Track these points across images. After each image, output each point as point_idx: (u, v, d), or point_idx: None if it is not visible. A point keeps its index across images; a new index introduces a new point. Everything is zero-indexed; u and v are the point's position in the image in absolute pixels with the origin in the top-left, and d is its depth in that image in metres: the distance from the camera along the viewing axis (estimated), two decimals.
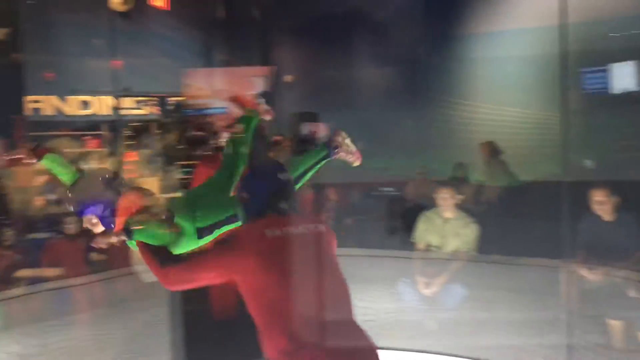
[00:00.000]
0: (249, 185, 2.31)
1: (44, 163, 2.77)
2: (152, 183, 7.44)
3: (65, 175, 2.82)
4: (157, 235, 2.55)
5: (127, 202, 2.67)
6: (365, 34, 6.40)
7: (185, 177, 5.53)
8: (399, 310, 4.72)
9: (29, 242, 5.81)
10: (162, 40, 8.26)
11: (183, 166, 6.07)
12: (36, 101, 8.41)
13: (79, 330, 4.16)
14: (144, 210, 2.63)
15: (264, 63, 5.76)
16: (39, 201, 6.58)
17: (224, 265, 2.12)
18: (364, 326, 2.12)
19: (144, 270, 4.81)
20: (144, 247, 2.36)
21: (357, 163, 3.16)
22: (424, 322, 4.59)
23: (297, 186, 2.87)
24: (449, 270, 4.68)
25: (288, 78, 6.34)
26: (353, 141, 3.23)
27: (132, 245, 2.56)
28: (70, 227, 5.27)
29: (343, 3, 6.45)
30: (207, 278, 2.19)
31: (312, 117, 7.17)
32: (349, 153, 3.08)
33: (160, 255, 2.30)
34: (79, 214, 2.67)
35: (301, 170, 2.93)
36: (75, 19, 7.96)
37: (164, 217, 2.69)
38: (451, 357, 4.28)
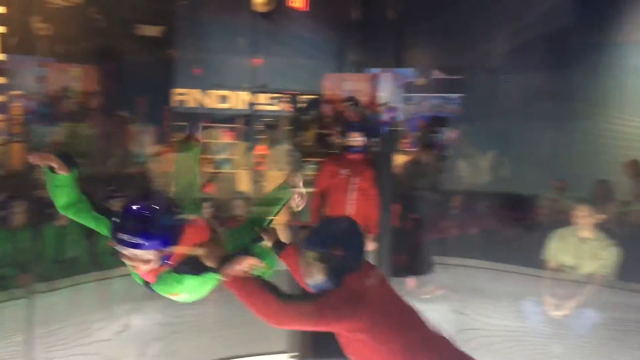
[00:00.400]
0: (345, 240, 2.21)
1: (60, 178, 2.25)
2: (279, 177, 7.72)
3: (64, 200, 2.30)
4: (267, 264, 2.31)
5: (194, 231, 2.28)
6: (507, 37, 6.13)
7: (312, 173, 5.68)
8: (523, 330, 4.49)
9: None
10: (298, 40, 8.53)
11: (311, 163, 6.24)
12: (182, 94, 9.07)
13: (207, 307, 4.42)
14: (211, 240, 2.27)
15: (397, 65, 5.75)
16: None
17: (351, 320, 2.06)
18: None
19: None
20: (252, 279, 2.08)
21: (299, 208, 2.96)
22: (548, 345, 4.33)
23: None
24: (582, 294, 4.36)
25: (420, 81, 6.27)
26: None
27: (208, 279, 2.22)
28: (208, 210, 5.58)
29: (483, 5, 6.23)
30: (322, 326, 2.11)
31: (443, 122, 7.04)
32: (300, 196, 2.90)
33: (275, 290, 2.07)
34: (134, 246, 2.13)
35: (274, 213, 2.81)
36: (221, 19, 8.48)
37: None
38: None
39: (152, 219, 2.15)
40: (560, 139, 5.99)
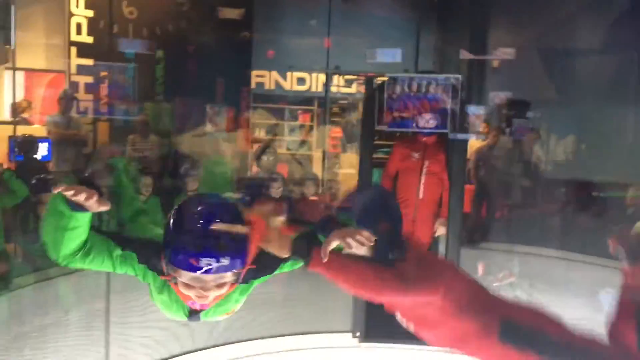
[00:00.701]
0: (390, 211, 2.07)
1: (81, 218, 1.63)
2: (350, 159, 7.73)
3: (75, 245, 1.70)
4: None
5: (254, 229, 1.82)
6: (591, 14, 5.74)
7: (383, 156, 5.64)
8: (599, 322, 4.28)
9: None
10: (375, 20, 8.43)
11: (382, 145, 6.20)
12: (260, 75, 9.23)
13: (275, 285, 4.54)
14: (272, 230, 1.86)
15: (474, 45, 5.54)
16: (253, 165, 7.30)
17: (432, 288, 1.94)
18: None
19: None
20: (337, 254, 1.78)
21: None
22: None
23: None
24: None
25: (495, 63, 6.02)
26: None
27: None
28: (278, 190, 5.68)
29: None
30: (417, 292, 1.94)
31: (522, 105, 6.72)
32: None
33: (363, 258, 1.83)
34: (220, 270, 1.65)
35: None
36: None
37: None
38: None
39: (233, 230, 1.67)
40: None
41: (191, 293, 1.71)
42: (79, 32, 7.15)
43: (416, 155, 4.98)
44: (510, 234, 5.13)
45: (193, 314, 1.95)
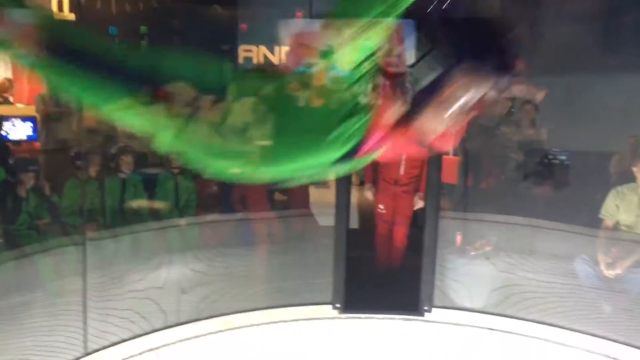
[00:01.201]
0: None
1: None
2: None
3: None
4: None
5: None
6: None
7: None
8: (573, 287, 4.38)
9: None
10: None
11: None
12: (248, 50, 9.12)
13: (255, 259, 4.59)
14: None
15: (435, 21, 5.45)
16: None
17: None
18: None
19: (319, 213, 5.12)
20: None
21: None
22: (597, 304, 4.21)
23: None
24: (638, 254, 4.17)
25: None
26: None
27: None
28: None
29: None
30: None
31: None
32: None
33: None
34: None
35: None
36: None
37: None
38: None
39: None
40: (633, 94, 5.53)
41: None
42: (60, 8, 7.06)
43: None
44: (492, 204, 5.17)
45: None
